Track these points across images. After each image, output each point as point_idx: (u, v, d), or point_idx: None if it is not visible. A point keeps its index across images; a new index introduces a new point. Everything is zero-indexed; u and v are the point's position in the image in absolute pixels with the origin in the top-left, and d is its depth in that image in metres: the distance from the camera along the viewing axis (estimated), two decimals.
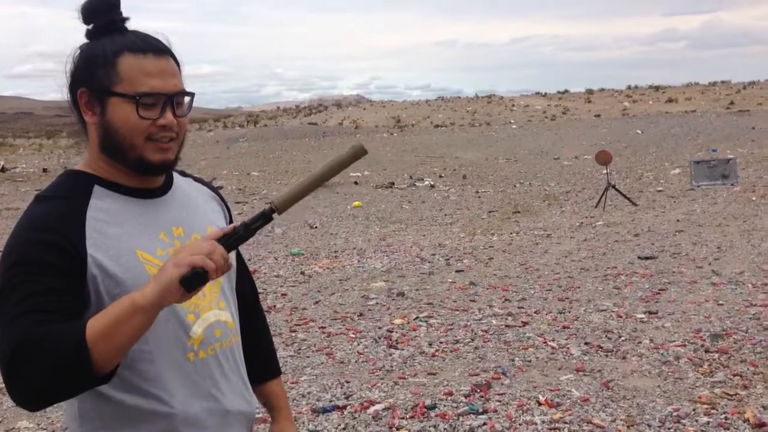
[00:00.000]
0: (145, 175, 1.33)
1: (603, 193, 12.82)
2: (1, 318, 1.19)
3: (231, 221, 1.56)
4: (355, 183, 19.18)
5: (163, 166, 1.32)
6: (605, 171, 13.40)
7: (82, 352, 1.11)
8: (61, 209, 1.26)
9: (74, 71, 1.31)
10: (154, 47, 1.29)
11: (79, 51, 1.31)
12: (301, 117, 74.22)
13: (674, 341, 5.19)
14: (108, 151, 1.31)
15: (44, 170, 25.60)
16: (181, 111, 1.32)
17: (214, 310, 1.36)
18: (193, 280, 1.11)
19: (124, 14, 1.32)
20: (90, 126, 1.32)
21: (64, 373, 1.12)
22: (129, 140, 1.28)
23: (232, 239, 1.21)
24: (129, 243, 1.28)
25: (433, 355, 5.12)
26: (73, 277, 1.21)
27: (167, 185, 1.41)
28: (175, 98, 1.29)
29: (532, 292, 6.89)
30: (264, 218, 1.22)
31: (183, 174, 1.51)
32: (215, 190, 1.56)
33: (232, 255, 1.50)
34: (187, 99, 1.34)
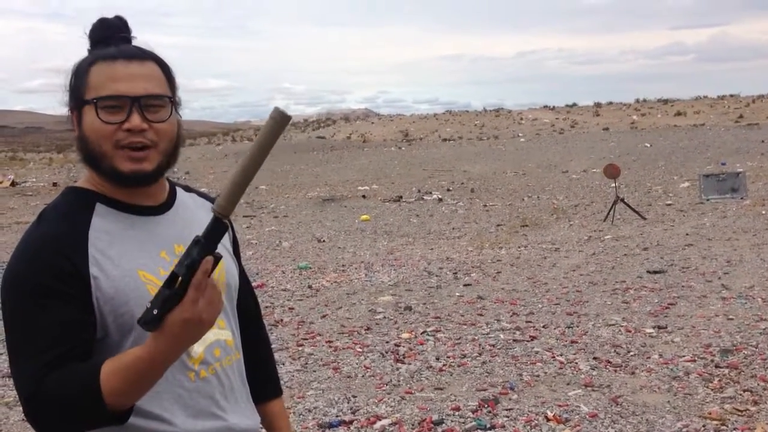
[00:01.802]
0: (122, 187, 1.30)
1: (611, 207, 12.78)
2: (13, 354, 1.21)
3: (234, 237, 1.55)
4: (363, 197, 19.20)
5: (137, 176, 1.27)
6: (614, 184, 13.36)
7: (95, 400, 1.13)
8: (63, 229, 1.25)
9: (68, 88, 1.31)
10: (125, 53, 1.27)
11: (71, 69, 1.32)
12: (310, 131, 74.40)
13: (684, 356, 5.15)
14: (87, 162, 1.29)
15: (54, 184, 25.74)
16: (157, 116, 1.27)
17: (213, 330, 1.31)
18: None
19: (134, 30, 1.33)
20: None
21: (78, 418, 1.16)
22: (98, 148, 1.25)
23: (194, 264, 1.11)
24: (130, 263, 1.26)
25: (441, 370, 5.10)
26: (80, 302, 1.21)
27: (170, 202, 1.39)
28: (142, 101, 1.25)
29: (540, 306, 6.86)
30: (218, 229, 1.13)
31: (187, 189, 1.49)
32: None
33: (234, 270, 1.49)
34: (169, 105, 1.29)
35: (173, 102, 1.31)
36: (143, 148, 1.26)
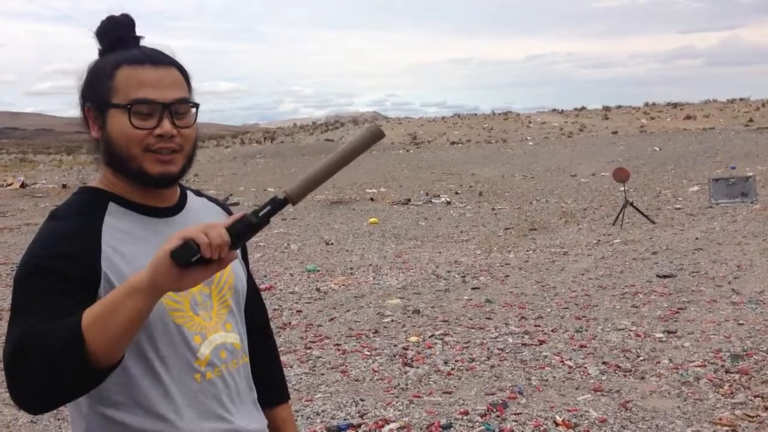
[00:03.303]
0: (149, 188, 1.32)
1: (620, 211, 12.74)
2: (11, 328, 1.19)
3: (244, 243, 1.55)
4: (371, 199, 19.20)
5: (165, 178, 1.30)
6: (623, 188, 13.32)
7: (76, 340, 1.07)
8: (75, 225, 1.26)
9: (82, 88, 1.33)
10: (152, 58, 1.29)
11: (87, 69, 1.33)
12: (318, 133, 74.57)
13: (694, 361, 5.12)
14: (112, 164, 1.31)
15: (63, 186, 25.87)
16: (184, 122, 1.30)
17: (220, 332, 1.35)
18: (184, 253, 1.05)
19: (142, 33, 1.33)
20: (98, 141, 1.32)
21: (60, 365, 1.07)
22: (126, 151, 1.27)
23: (240, 225, 1.11)
24: (141, 262, 1.25)
25: (449, 374, 5.08)
26: (86, 287, 1.20)
27: (181, 204, 1.41)
28: (172, 107, 1.27)
29: (549, 310, 6.84)
30: (273, 205, 1.13)
31: (198, 193, 1.51)
32: (228, 210, 1.55)
33: (243, 275, 1.49)
34: (193, 110, 1.32)
35: (197, 108, 1.33)
36: (171, 152, 1.29)
